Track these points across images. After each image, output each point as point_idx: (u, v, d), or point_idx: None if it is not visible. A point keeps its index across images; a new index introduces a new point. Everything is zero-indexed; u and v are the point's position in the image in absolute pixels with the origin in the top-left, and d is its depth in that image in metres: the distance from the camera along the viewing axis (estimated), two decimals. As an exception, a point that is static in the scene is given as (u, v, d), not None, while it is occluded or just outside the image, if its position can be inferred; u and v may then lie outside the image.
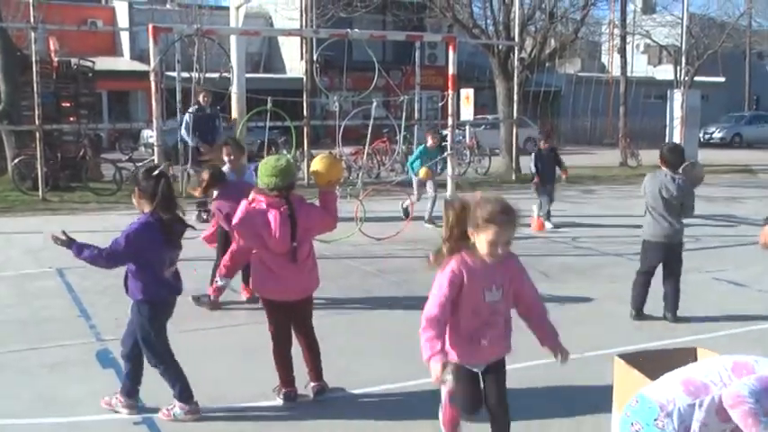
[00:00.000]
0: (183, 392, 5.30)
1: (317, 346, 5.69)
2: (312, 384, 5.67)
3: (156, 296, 5.19)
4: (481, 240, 4.10)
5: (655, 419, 3.22)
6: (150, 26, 10.61)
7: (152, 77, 10.53)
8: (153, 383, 5.88)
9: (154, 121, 10.66)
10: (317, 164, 5.58)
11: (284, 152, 19.95)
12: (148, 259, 5.09)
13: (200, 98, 13.73)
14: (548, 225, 13.40)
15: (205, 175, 8.01)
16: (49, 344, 6.88)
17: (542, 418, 5.44)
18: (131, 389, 5.41)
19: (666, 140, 25.77)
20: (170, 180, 5.23)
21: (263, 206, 5.27)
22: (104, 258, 5.02)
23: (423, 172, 13.31)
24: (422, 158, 13.49)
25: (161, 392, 5.71)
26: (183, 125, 13.49)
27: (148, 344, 5.23)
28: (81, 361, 6.44)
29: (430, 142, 13.62)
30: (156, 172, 5.14)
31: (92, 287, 8.90)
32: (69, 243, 4.99)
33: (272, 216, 5.23)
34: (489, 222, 4.04)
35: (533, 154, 13.89)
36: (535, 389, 5.94)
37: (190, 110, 13.73)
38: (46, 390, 5.82)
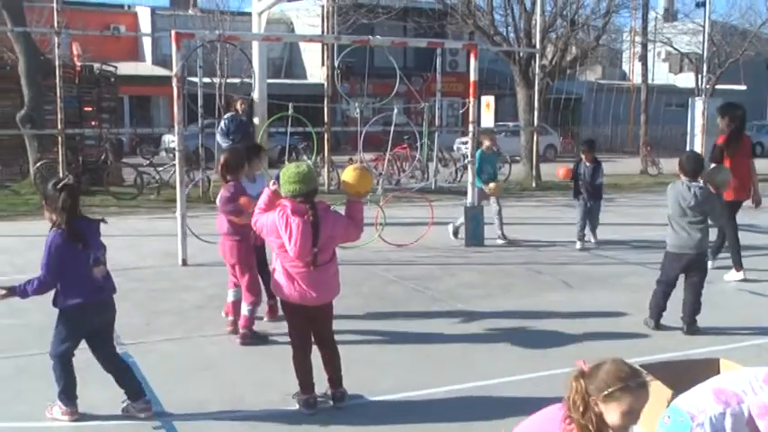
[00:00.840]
0: (65, 394, 5.35)
1: (337, 352, 5.68)
2: (331, 391, 5.66)
3: (76, 300, 5.21)
4: (611, 413, 3.16)
5: None
6: (173, 32, 10.63)
7: (174, 83, 10.55)
8: (173, 386, 5.91)
9: (176, 126, 10.68)
10: (348, 174, 5.59)
11: (305, 158, 20.01)
12: (70, 266, 5.16)
13: (238, 105, 13.99)
14: (593, 239, 12.36)
15: (223, 157, 7.59)
16: (70, 347, 6.90)
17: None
18: (134, 392, 5.44)
19: (687, 149, 25.68)
20: (74, 191, 5.25)
21: (289, 212, 5.26)
22: (44, 285, 5.18)
23: (493, 187, 12.32)
24: (482, 166, 12.50)
25: (181, 394, 5.73)
26: (219, 131, 13.76)
27: (56, 345, 5.32)
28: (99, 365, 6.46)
29: (487, 144, 12.65)
30: (61, 184, 5.18)
31: (112, 291, 8.93)
32: (11, 292, 5.21)
33: (295, 224, 5.21)
34: (622, 392, 3.13)
35: (573, 165, 12.57)
36: (556, 399, 5.90)
37: (226, 116, 13.96)
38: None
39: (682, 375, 4.01)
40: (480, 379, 6.05)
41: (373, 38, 12.51)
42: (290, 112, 12.44)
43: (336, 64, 20.72)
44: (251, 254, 7.26)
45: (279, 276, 5.45)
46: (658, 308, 7.76)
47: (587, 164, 12.18)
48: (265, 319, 7.75)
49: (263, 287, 7.45)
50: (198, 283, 9.43)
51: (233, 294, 7.46)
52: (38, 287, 5.17)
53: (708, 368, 4.27)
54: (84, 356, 6.53)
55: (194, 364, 6.56)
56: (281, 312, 7.76)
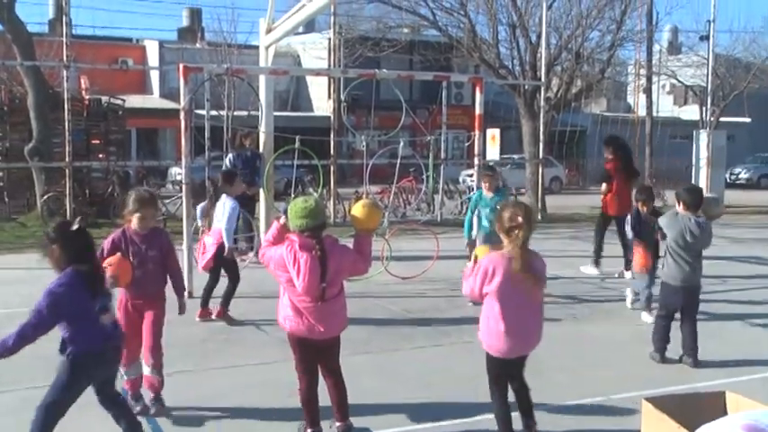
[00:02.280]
0: None
1: (344, 385, 5.68)
2: (337, 424, 5.66)
3: (88, 347, 4.98)
4: None
5: None
6: (181, 66, 10.76)
7: (182, 116, 10.66)
8: (180, 418, 5.92)
9: (182, 158, 10.78)
10: (358, 210, 5.63)
11: (311, 190, 20.07)
12: (75, 314, 4.92)
13: (246, 142, 14.07)
14: (648, 318, 9.36)
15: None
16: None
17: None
18: None
19: (693, 181, 25.73)
20: (87, 232, 5.05)
21: (297, 247, 5.27)
22: (32, 332, 4.80)
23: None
24: (478, 212, 10.54)
25: (190, 428, 5.74)
26: (224, 167, 13.64)
27: (53, 393, 5.06)
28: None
29: (485, 187, 10.57)
30: (76, 227, 4.97)
31: (119, 323, 8.95)
32: None
33: (303, 259, 5.21)
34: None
35: (629, 216, 10.06)
36: None
37: (230, 154, 13.99)
38: (69, 428, 5.81)
39: (688, 408, 4.01)
40: (487, 412, 6.05)
41: (379, 71, 12.62)
42: (297, 144, 12.49)
43: (343, 97, 20.85)
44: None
45: (286, 310, 5.45)
46: (663, 341, 7.75)
47: (645, 216, 9.80)
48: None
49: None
50: (204, 315, 9.44)
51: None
52: (22, 339, 4.79)
53: (714, 401, 4.27)
54: (91, 390, 6.55)
55: (202, 396, 6.57)
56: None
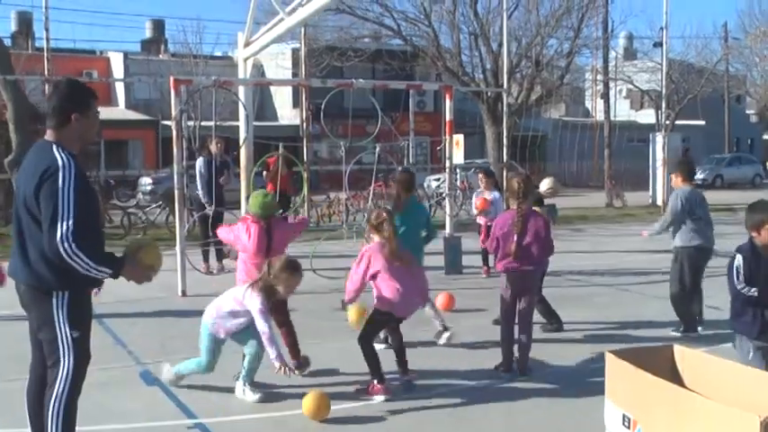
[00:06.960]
0: None
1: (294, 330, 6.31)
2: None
3: None
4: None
5: None
6: (171, 78, 11.40)
7: (173, 125, 11.28)
8: (198, 395, 6.54)
9: (174, 165, 11.40)
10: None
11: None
12: None
13: (213, 147, 13.30)
14: None
15: None
16: (92, 367, 7.40)
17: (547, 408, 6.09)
18: None
19: (650, 182, 26.78)
20: None
21: (249, 222, 7.35)
22: None
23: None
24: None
25: (207, 401, 6.38)
26: (200, 178, 13.15)
27: None
28: (126, 380, 7.07)
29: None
30: None
31: (122, 321, 9.53)
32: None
33: (254, 229, 7.25)
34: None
35: (738, 256, 6.41)
36: (538, 407, 6.57)
37: (199, 161, 13.36)
38: (98, 404, 6.33)
39: (643, 358, 4.74)
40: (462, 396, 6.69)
41: (356, 81, 13.27)
42: (281, 151, 13.06)
43: (310, 106, 21.47)
44: None
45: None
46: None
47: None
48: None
49: None
50: (199, 311, 9.96)
51: None
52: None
53: (664, 352, 5.07)
54: (110, 374, 7.16)
55: (212, 375, 7.03)
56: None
